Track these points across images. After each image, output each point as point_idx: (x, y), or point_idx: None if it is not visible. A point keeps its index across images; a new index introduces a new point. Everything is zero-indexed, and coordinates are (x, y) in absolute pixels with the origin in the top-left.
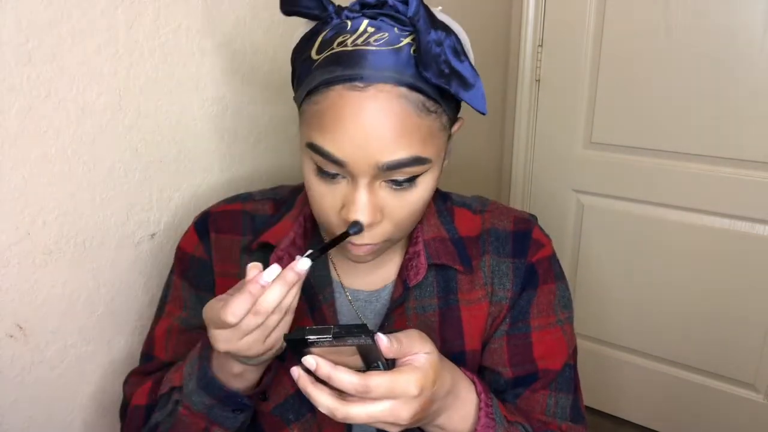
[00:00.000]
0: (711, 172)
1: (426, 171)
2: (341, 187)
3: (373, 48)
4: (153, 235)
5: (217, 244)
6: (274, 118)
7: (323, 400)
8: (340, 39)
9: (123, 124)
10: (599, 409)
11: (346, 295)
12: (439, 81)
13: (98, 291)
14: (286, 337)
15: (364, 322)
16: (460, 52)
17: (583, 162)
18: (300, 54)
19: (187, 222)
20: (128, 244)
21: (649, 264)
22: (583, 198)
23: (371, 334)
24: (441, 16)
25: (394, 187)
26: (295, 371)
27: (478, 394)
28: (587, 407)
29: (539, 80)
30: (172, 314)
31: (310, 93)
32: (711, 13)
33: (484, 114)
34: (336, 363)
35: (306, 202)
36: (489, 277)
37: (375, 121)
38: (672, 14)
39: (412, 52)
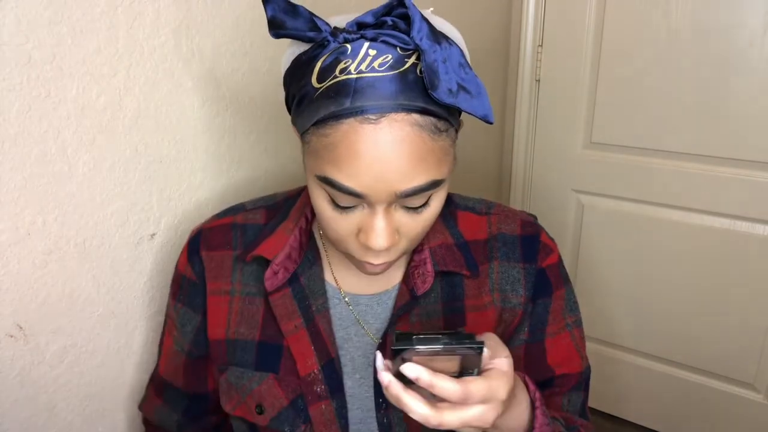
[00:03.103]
0: (711, 172)
1: (439, 191)
2: (356, 213)
3: (380, 74)
4: (153, 235)
5: (209, 262)
6: (274, 118)
7: (418, 408)
8: (341, 65)
9: (123, 124)
10: (599, 409)
11: (345, 301)
12: (450, 100)
13: (98, 291)
14: (394, 347)
15: (363, 327)
16: (464, 64)
17: (583, 162)
18: (297, 80)
19: (187, 222)
20: (128, 244)
21: (648, 264)
22: (583, 198)
23: (481, 347)
24: (435, 21)
25: (409, 209)
26: (385, 378)
27: (531, 393)
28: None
29: (539, 80)
30: (171, 337)
31: (317, 124)
32: (711, 14)
33: (491, 123)
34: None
35: (301, 213)
36: (497, 283)
37: (391, 153)
38: (672, 14)
39: (418, 72)
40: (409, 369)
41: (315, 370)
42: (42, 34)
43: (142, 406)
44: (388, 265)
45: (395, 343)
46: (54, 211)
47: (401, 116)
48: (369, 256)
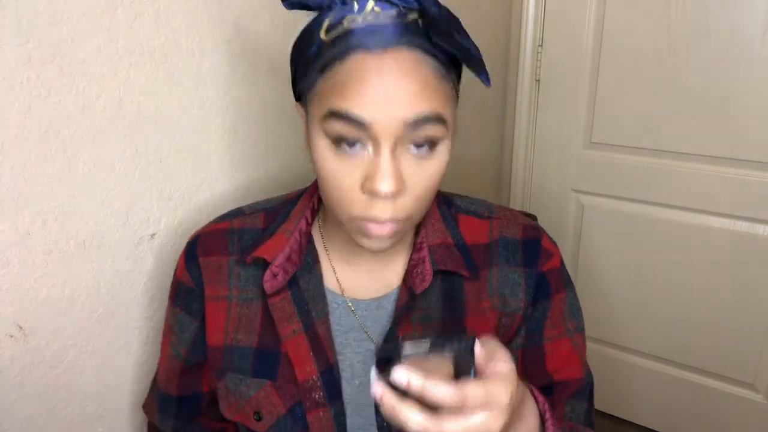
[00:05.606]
0: (711, 172)
1: (443, 138)
2: (361, 160)
3: (386, 22)
4: (153, 235)
5: (206, 267)
6: (273, 118)
7: (415, 417)
8: (348, 18)
9: (123, 124)
10: (599, 408)
11: (345, 305)
12: (451, 47)
13: (98, 291)
14: (378, 355)
15: (366, 330)
16: (461, 30)
17: (583, 162)
18: (304, 48)
19: (188, 222)
20: (128, 244)
21: (648, 264)
22: (583, 198)
23: (473, 340)
24: None
25: (414, 153)
26: (378, 390)
27: (540, 405)
28: None
29: (539, 80)
30: (168, 341)
31: (323, 69)
32: (711, 13)
33: (488, 86)
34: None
35: (301, 215)
36: (497, 288)
37: (397, 80)
38: (672, 14)
39: (420, 25)
40: (399, 374)
41: (314, 377)
42: (42, 34)
43: (145, 406)
44: (392, 232)
45: (380, 350)
46: (54, 211)
47: (404, 51)
48: (376, 209)
